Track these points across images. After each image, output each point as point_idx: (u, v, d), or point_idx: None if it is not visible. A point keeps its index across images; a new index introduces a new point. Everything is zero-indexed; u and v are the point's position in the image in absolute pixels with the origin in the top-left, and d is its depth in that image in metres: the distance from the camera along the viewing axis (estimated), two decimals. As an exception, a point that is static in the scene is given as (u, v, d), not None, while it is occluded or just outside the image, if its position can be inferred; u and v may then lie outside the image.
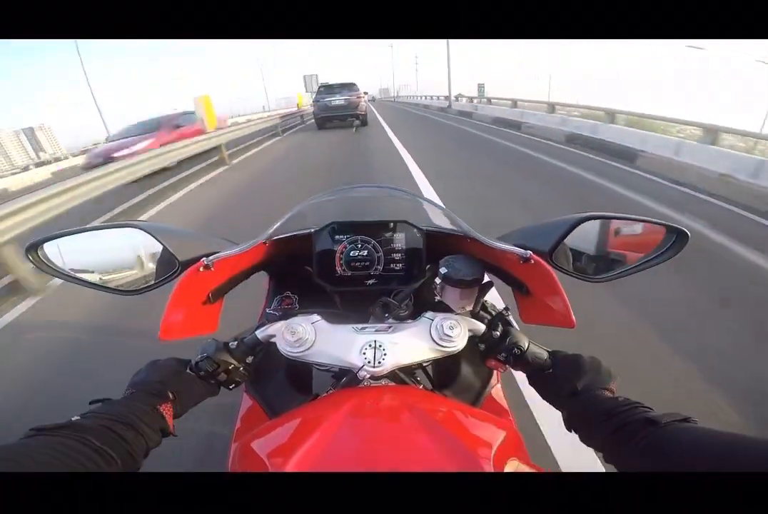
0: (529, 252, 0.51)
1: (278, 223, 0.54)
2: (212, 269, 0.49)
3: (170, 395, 0.47)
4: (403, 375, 0.59)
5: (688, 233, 0.60)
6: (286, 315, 0.54)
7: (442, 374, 0.69)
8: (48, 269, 0.57)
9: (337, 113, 11.79)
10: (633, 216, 0.65)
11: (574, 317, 0.48)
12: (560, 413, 0.50)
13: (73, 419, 0.39)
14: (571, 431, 0.49)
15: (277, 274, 0.72)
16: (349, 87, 12.10)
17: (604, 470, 0.99)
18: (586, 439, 0.47)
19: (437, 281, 0.56)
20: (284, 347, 0.50)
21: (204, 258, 0.49)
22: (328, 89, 12.27)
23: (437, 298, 0.61)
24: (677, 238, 0.61)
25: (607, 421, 0.43)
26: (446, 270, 0.55)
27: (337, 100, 11.81)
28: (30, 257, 0.56)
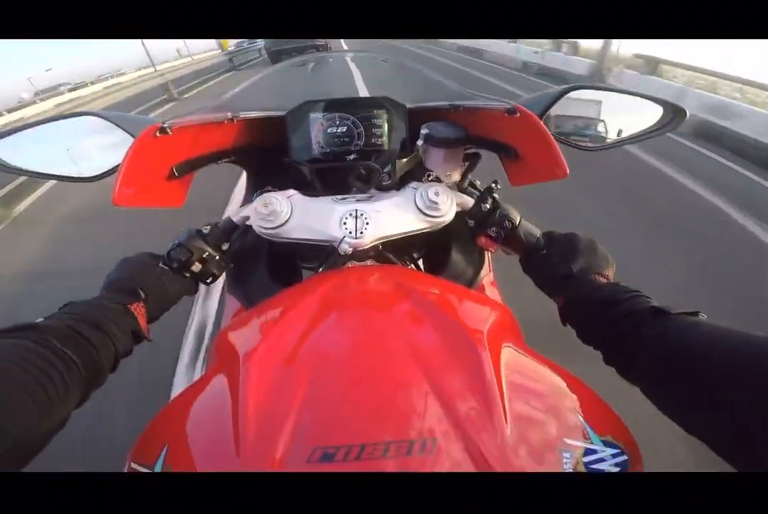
0: (513, 103, 0.47)
1: (240, 87, 0.50)
2: (169, 132, 0.45)
3: (141, 293, 0.43)
4: (391, 256, 0.56)
5: (686, 112, 0.56)
6: None
7: (432, 259, 0.66)
8: (1, 167, 0.54)
9: (291, 46, 10.38)
10: (626, 90, 0.60)
11: (566, 165, 0.44)
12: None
13: (37, 320, 0.35)
14: (566, 325, 0.46)
15: (254, 169, 0.68)
16: None
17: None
18: (584, 331, 0.43)
19: (419, 143, 0.53)
20: (258, 224, 0.47)
21: (160, 121, 0.45)
22: None
23: (425, 181, 0.56)
24: (674, 115, 0.58)
25: (610, 309, 0.39)
26: (428, 131, 0.51)
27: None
28: None
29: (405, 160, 0.59)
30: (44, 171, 0.54)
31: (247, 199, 0.65)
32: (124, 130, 0.52)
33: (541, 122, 0.45)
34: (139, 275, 0.44)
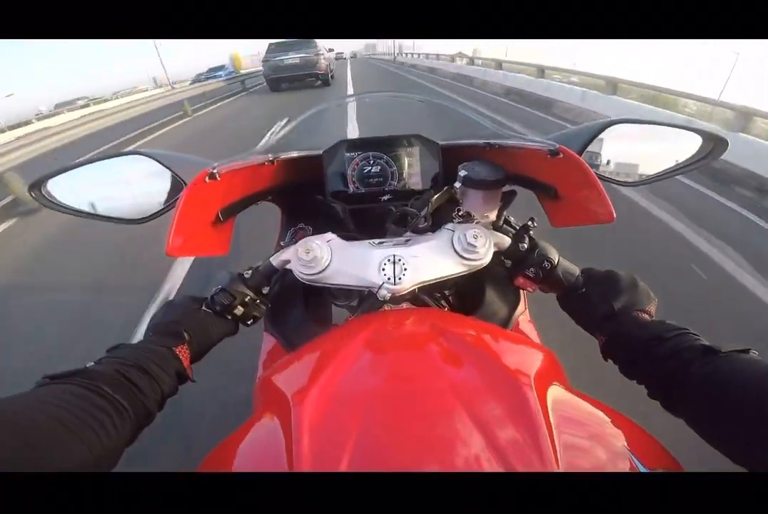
0: (557, 144, 0.47)
1: (284, 132, 0.52)
2: (218, 178, 0.46)
3: (185, 336, 0.44)
4: (426, 298, 0.56)
5: (728, 141, 0.56)
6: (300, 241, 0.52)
7: (466, 299, 0.66)
8: (52, 205, 0.56)
9: (290, 73, 10.66)
10: (665, 122, 0.60)
11: (613, 209, 0.44)
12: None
13: (87, 365, 0.37)
14: (607, 360, 0.45)
15: (288, 207, 0.69)
16: (306, 44, 10.73)
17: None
18: (627, 368, 0.42)
19: (457, 185, 0.53)
20: (299, 269, 0.48)
21: (209, 168, 0.46)
22: (280, 47, 10.83)
23: (455, 216, 0.56)
24: (715, 145, 0.57)
25: (656, 347, 0.38)
26: (466, 172, 0.51)
27: (291, 58, 10.50)
28: (33, 195, 0.55)
29: (436, 196, 0.59)
30: (93, 211, 0.56)
31: (282, 236, 0.67)
32: (171, 170, 0.53)
33: (586, 164, 0.45)
34: (183, 318, 0.46)
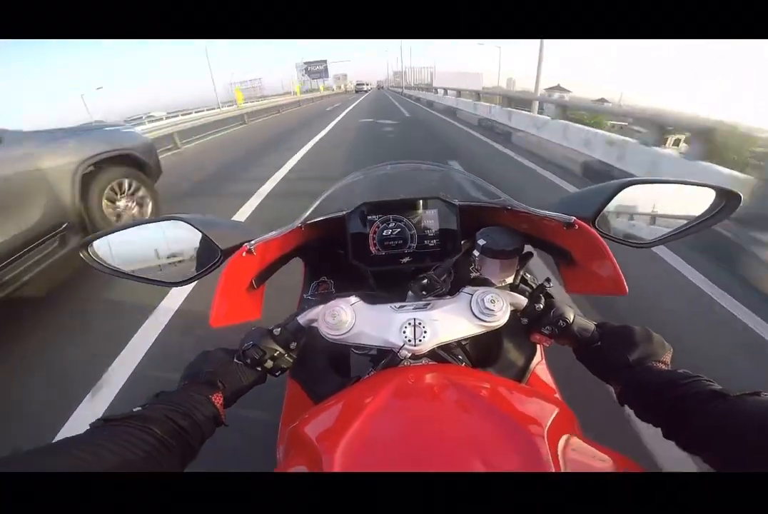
0: (573, 217, 0.49)
1: (312, 208, 0.55)
2: (254, 253, 0.50)
3: (220, 385, 0.49)
4: (444, 353, 0.58)
5: (741, 195, 0.57)
6: (324, 299, 0.55)
7: (483, 350, 0.68)
8: (99, 265, 0.60)
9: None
10: (678, 179, 0.61)
11: (625, 283, 0.46)
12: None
13: (134, 409, 0.41)
14: (623, 406, 0.47)
15: (312, 260, 0.73)
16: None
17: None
18: (642, 413, 0.44)
19: (475, 253, 0.55)
20: (325, 331, 0.51)
21: (246, 244, 0.50)
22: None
23: (473, 275, 0.59)
24: (728, 200, 0.58)
25: (668, 392, 0.40)
26: (485, 241, 0.54)
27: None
28: (82, 255, 0.59)
29: (456, 257, 0.61)
30: (134, 273, 0.61)
31: (305, 288, 0.70)
32: (206, 235, 0.57)
33: (601, 238, 0.47)
34: (218, 369, 0.50)
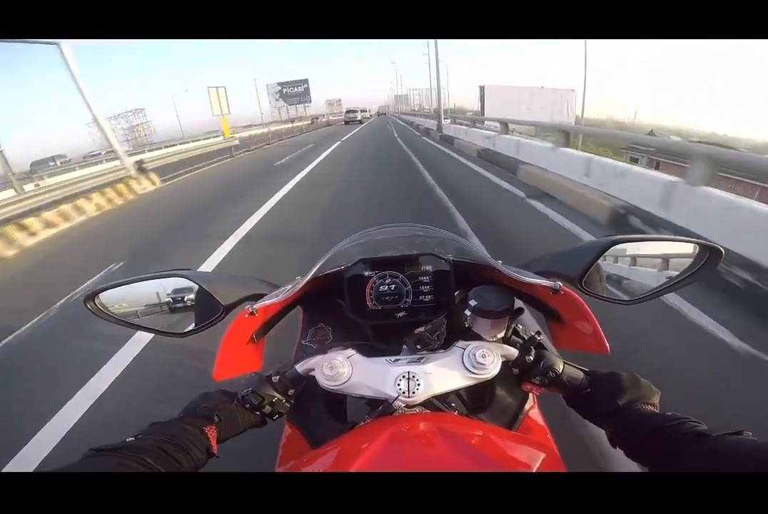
0: (559, 284, 0.52)
1: (314, 269, 0.58)
2: (256, 314, 0.52)
3: (215, 419, 0.50)
4: (437, 402, 0.60)
5: (722, 250, 0.59)
6: (322, 348, 0.57)
7: (476, 398, 0.70)
8: (104, 315, 0.62)
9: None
10: (661, 236, 0.64)
11: (608, 344, 0.48)
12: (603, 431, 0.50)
13: (127, 439, 0.42)
14: (615, 448, 0.49)
15: (310, 307, 0.75)
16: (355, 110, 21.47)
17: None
18: (632, 455, 0.46)
19: (467, 312, 0.58)
20: (323, 381, 0.53)
21: (249, 306, 0.52)
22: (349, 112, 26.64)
23: (467, 324, 0.62)
24: (710, 255, 0.60)
25: (655, 436, 0.43)
26: (476, 302, 0.56)
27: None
28: (88, 306, 0.61)
29: (446, 312, 0.64)
30: (139, 323, 0.63)
31: (303, 335, 0.73)
32: (208, 292, 0.60)
33: (585, 305, 0.49)
34: (216, 406, 0.52)
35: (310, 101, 62.96)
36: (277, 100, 62.28)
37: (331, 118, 54.82)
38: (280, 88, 62.08)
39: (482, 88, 28.39)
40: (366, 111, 51.37)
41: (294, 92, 61.99)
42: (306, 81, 61.97)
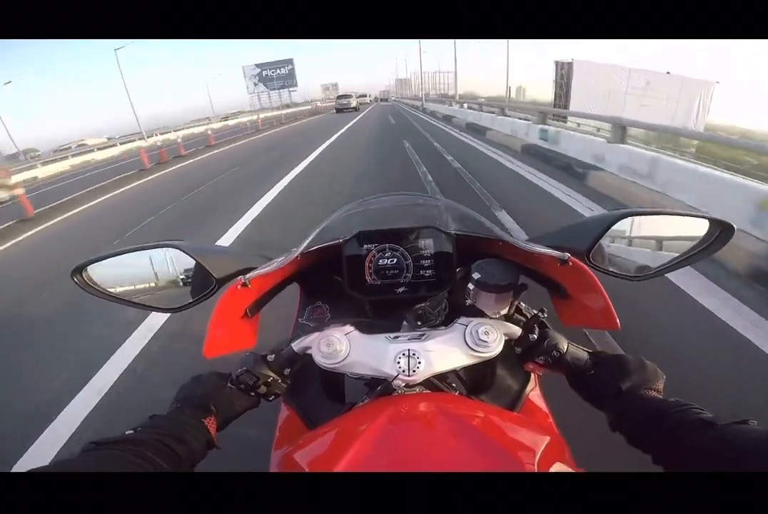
0: (567, 254, 0.49)
1: (309, 239, 0.55)
2: (249, 286, 0.50)
3: (213, 409, 0.49)
4: (438, 382, 0.58)
5: (734, 226, 0.57)
6: (319, 326, 0.55)
7: (477, 378, 0.68)
8: (92, 290, 0.60)
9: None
10: (672, 210, 0.62)
11: (617, 319, 0.46)
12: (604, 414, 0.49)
13: (127, 432, 0.41)
14: (615, 432, 0.47)
15: (308, 284, 0.73)
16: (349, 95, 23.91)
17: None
18: (633, 440, 0.45)
19: (470, 286, 0.55)
20: (320, 359, 0.51)
21: (241, 276, 0.50)
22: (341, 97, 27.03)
23: (468, 302, 0.60)
24: (722, 231, 0.58)
25: (658, 422, 0.42)
26: (479, 275, 0.54)
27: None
28: (75, 280, 0.59)
29: (449, 288, 0.61)
30: (129, 299, 0.60)
31: (300, 313, 0.70)
32: (201, 264, 0.57)
33: (594, 276, 0.47)
34: (211, 392, 0.50)
35: (296, 85, 50.59)
36: (255, 84, 51.16)
37: (319, 104, 46.01)
38: (259, 70, 50.67)
39: (567, 66, 16.64)
40: (365, 96, 41.50)
41: (276, 75, 50.29)
42: (290, 61, 50.16)
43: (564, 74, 17.24)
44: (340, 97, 31.20)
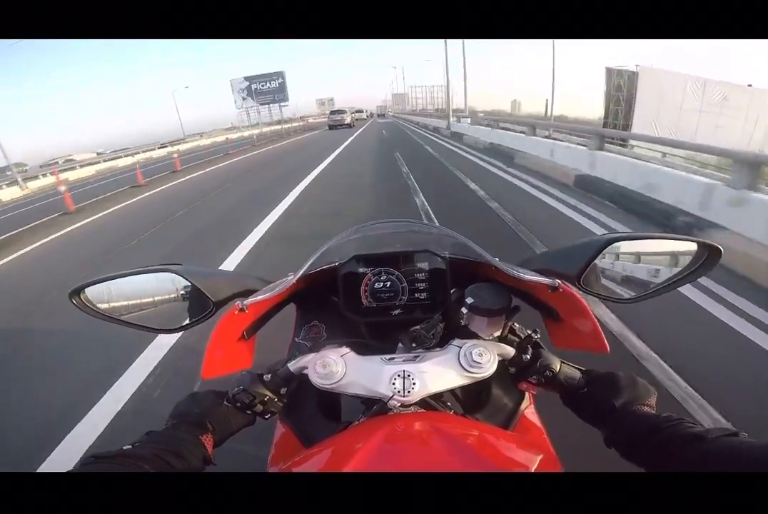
0: (558, 281, 0.51)
1: (306, 264, 0.56)
2: (246, 311, 0.51)
3: (209, 427, 0.49)
4: (433, 401, 0.59)
5: (721, 249, 0.59)
6: (315, 346, 0.55)
7: (473, 397, 0.69)
8: (90, 311, 0.60)
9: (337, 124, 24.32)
10: (661, 234, 0.63)
11: (607, 343, 0.47)
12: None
13: (124, 447, 0.42)
14: (610, 448, 0.48)
15: (304, 304, 0.74)
16: (342, 111, 25.90)
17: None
18: (627, 455, 0.46)
19: (463, 310, 0.57)
20: (316, 380, 0.52)
21: (239, 302, 0.51)
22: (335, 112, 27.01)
23: (463, 322, 0.61)
24: (709, 253, 0.60)
25: (651, 437, 0.42)
26: (472, 300, 0.55)
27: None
28: (73, 301, 0.59)
29: (442, 310, 0.63)
30: (126, 319, 0.61)
31: (296, 332, 0.71)
32: (198, 288, 0.58)
33: (584, 302, 0.48)
34: (207, 410, 0.51)
35: (287, 99, 45.65)
36: (244, 98, 46.87)
37: (310, 120, 45.54)
38: (248, 83, 45.95)
39: (628, 76, 12.94)
40: (362, 111, 41.28)
41: (266, 88, 45.65)
42: (281, 74, 45.60)
43: (623, 85, 13.27)
44: (333, 112, 29.86)
